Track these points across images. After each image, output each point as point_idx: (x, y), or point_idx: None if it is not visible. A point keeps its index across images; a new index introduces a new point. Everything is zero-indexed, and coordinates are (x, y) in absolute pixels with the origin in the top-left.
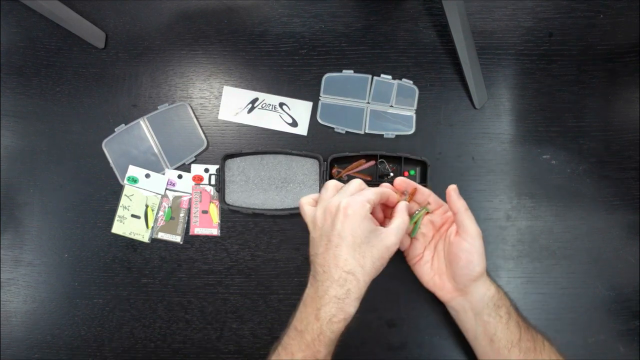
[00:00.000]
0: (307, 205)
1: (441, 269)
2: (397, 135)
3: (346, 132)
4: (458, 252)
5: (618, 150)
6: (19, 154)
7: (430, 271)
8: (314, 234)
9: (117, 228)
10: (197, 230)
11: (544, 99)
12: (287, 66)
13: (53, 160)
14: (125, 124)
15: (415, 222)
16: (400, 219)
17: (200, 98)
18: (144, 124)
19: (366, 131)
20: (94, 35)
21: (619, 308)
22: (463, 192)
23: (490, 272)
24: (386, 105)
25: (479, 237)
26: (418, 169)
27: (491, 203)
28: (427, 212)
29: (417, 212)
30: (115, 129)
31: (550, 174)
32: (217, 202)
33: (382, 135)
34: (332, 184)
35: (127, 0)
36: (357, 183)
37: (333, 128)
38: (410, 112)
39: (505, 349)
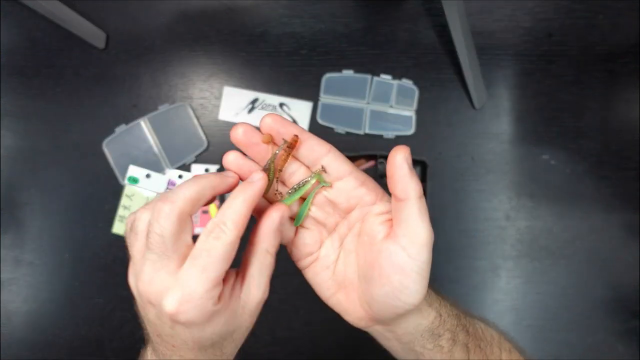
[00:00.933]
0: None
1: (350, 281)
2: (396, 136)
3: (346, 132)
4: (386, 268)
5: (617, 151)
6: (20, 154)
7: (331, 283)
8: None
9: (118, 228)
10: (197, 230)
11: (543, 99)
12: (287, 66)
13: (54, 161)
14: (126, 124)
15: (303, 200)
16: (257, 262)
17: (201, 98)
18: (144, 124)
19: (366, 131)
20: (95, 36)
21: (617, 308)
22: (462, 192)
23: (490, 272)
24: (386, 105)
25: (429, 246)
26: (418, 169)
27: (491, 203)
28: (326, 186)
29: (302, 182)
30: (116, 129)
31: (549, 174)
32: (218, 202)
33: (382, 135)
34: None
35: (127, 1)
36: (158, 237)
37: (333, 128)
38: (410, 113)
39: None
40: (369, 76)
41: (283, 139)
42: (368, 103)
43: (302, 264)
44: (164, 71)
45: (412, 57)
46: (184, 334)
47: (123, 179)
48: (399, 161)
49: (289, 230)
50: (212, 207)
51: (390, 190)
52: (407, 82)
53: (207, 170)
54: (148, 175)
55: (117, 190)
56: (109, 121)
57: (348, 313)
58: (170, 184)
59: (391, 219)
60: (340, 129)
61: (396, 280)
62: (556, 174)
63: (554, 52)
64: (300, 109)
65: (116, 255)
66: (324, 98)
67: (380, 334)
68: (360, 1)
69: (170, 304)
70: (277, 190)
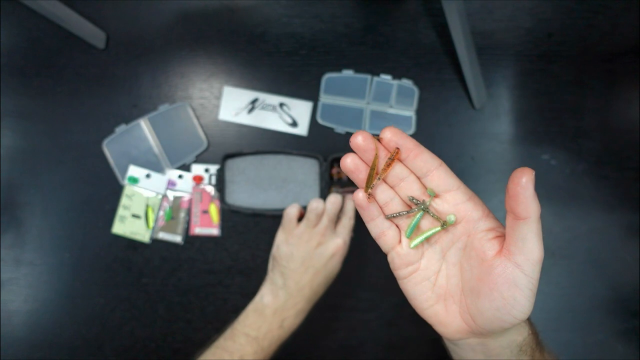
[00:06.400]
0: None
1: (451, 293)
2: None
3: (346, 132)
4: (500, 284)
5: (617, 151)
6: (20, 154)
7: (430, 294)
8: (296, 249)
9: (118, 228)
10: (197, 230)
11: (543, 100)
12: (287, 66)
13: (54, 161)
14: (126, 124)
15: (418, 230)
16: (342, 220)
17: (201, 98)
18: (144, 124)
19: None
20: (95, 36)
21: (617, 308)
22: None
23: None
24: (386, 105)
25: (541, 264)
26: None
27: (490, 203)
28: (444, 227)
29: (415, 205)
30: (116, 129)
31: (549, 174)
32: (218, 202)
33: None
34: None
35: (127, 1)
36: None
37: (333, 128)
38: (410, 113)
39: None
40: (369, 76)
41: (392, 152)
42: (368, 103)
43: (401, 273)
44: (164, 71)
45: (412, 57)
46: (333, 268)
47: (123, 179)
48: (525, 182)
49: (392, 237)
50: (213, 208)
51: (510, 208)
52: (407, 82)
53: (207, 170)
54: (148, 175)
55: (117, 190)
56: (109, 121)
57: (445, 324)
58: (170, 184)
59: (501, 236)
60: (340, 129)
61: (509, 296)
62: (556, 174)
63: (554, 52)
64: (300, 109)
65: (116, 255)
66: (324, 98)
67: (469, 346)
68: (361, 1)
69: (341, 250)
70: (371, 187)
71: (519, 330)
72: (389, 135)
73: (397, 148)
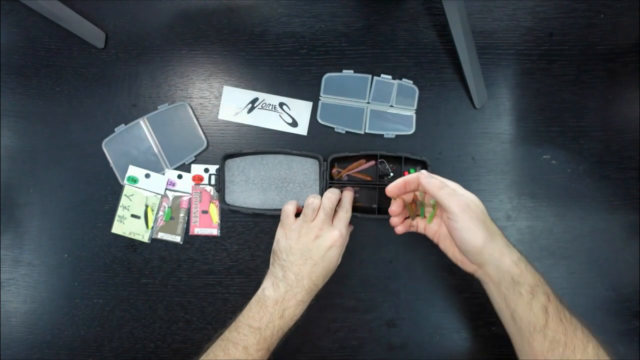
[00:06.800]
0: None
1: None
2: (397, 135)
3: (346, 132)
4: (451, 232)
5: (618, 150)
6: (19, 153)
7: (451, 246)
8: (294, 243)
9: (117, 228)
10: (197, 230)
11: (544, 99)
12: (287, 66)
13: (53, 160)
14: (125, 124)
15: (424, 210)
16: (340, 213)
17: (200, 98)
18: (143, 124)
19: (366, 131)
20: (94, 35)
21: (618, 308)
22: None
23: None
24: (386, 105)
25: (464, 211)
26: (418, 168)
27: (491, 203)
28: (434, 208)
29: (421, 200)
30: (115, 129)
31: (550, 174)
32: (217, 202)
33: (382, 135)
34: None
35: (127, 0)
36: (344, 218)
37: (333, 128)
38: (410, 112)
39: (527, 331)
40: (369, 76)
41: (413, 198)
42: (368, 103)
43: (434, 239)
44: (163, 71)
45: (412, 56)
46: (331, 258)
47: (122, 179)
48: (420, 179)
49: (420, 223)
50: (212, 208)
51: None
52: (407, 82)
53: (206, 170)
54: (147, 175)
55: (116, 190)
56: (108, 121)
57: (462, 262)
58: (170, 184)
59: None
60: (340, 129)
61: (456, 236)
62: (557, 173)
63: (554, 52)
64: (300, 109)
65: (115, 255)
66: (324, 98)
67: (482, 277)
68: (361, 1)
69: (338, 240)
70: (411, 211)
71: (498, 259)
72: (391, 188)
73: (415, 195)
